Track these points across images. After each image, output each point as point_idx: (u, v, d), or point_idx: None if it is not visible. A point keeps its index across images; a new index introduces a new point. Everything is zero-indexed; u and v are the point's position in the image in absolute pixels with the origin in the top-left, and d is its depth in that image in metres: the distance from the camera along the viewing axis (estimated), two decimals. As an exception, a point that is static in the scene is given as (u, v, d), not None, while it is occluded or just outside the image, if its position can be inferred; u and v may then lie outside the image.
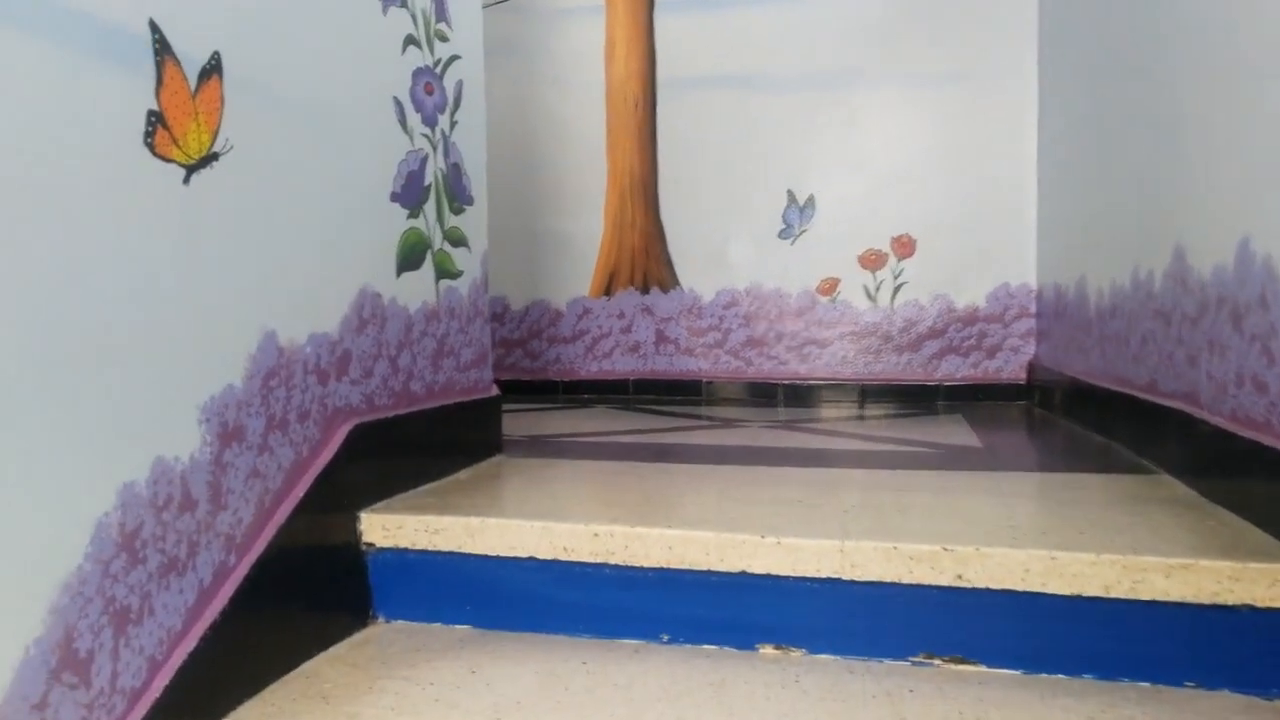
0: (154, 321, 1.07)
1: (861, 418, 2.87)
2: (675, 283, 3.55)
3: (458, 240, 1.90)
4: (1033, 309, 3.27)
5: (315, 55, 1.40)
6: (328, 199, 1.44)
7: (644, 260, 3.58)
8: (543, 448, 2.22)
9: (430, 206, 1.78)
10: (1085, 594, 1.21)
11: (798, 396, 3.39)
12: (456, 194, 1.89)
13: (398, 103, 1.66)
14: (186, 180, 1.13)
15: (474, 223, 1.97)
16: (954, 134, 3.27)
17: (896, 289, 3.36)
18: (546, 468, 1.93)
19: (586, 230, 3.62)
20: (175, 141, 1.11)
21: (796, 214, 3.41)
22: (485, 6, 3.72)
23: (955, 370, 3.33)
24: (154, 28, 1.08)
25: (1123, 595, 1.20)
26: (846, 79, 3.34)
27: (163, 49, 1.09)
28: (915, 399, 3.31)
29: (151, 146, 1.07)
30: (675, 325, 3.55)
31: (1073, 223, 2.73)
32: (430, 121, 1.78)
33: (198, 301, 1.14)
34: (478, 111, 1.98)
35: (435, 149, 1.80)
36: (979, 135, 3.25)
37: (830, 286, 3.40)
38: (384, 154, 1.62)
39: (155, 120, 1.08)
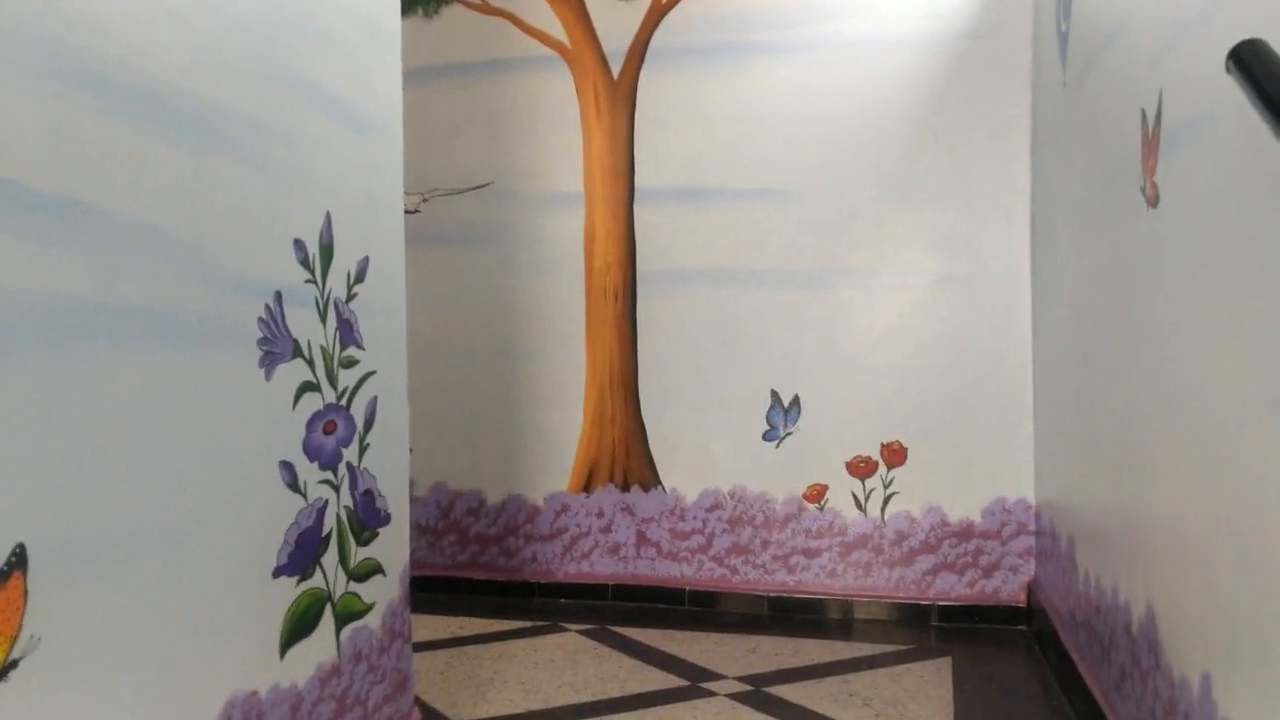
0: None
1: (842, 667, 2.68)
2: (657, 481, 3.38)
3: (368, 573, 1.75)
4: (1032, 526, 3.06)
5: (161, 483, 1.27)
6: (179, 626, 1.30)
7: (624, 457, 3.42)
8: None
9: (330, 555, 1.64)
10: None
11: (783, 613, 3.19)
12: (366, 522, 1.75)
13: (286, 466, 1.53)
14: (-36, 718, 0.99)
15: (391, 541, 1.83)
16: (944, 337, 3.10)
17: (887, 499, 3.17)
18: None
19: (567, 423, 3.47)
20: (-50, 680, 0.98)
21: (780, 415, 3.25)
22: (461, 191, 3.66)
23: (950, 589, 3.12)
24: (-79, 566, 0.95)
25: None
26: (830, 276, 3.19)
27: (-66, 582, 0.96)
28: (908, 621, 3.10)
29: (-89, 707, 0.94)
30: (657, 527, 3.38)
31: (1064, 441, 2.56)
32: (331, 463, 1.64)
33: None
34: (398, 422, 1.85)
35: (339, 488, 1.67)
36: (971, 339, 3.08)
37: (818, 493, 3.22)
38: (265, 530, 1.49)
39: (-82, 672, 0.95)
